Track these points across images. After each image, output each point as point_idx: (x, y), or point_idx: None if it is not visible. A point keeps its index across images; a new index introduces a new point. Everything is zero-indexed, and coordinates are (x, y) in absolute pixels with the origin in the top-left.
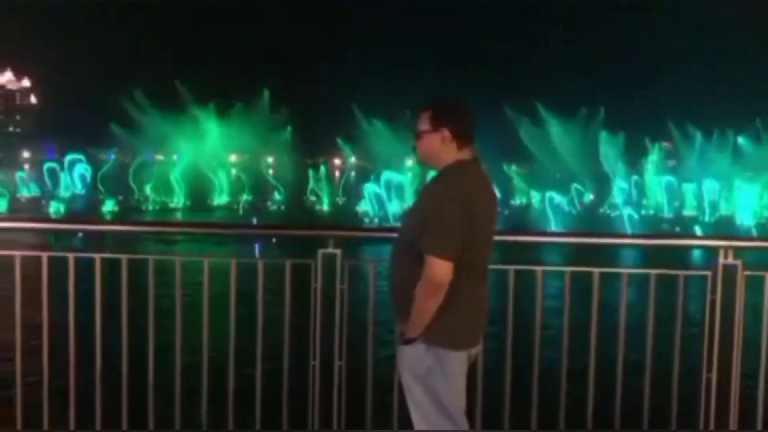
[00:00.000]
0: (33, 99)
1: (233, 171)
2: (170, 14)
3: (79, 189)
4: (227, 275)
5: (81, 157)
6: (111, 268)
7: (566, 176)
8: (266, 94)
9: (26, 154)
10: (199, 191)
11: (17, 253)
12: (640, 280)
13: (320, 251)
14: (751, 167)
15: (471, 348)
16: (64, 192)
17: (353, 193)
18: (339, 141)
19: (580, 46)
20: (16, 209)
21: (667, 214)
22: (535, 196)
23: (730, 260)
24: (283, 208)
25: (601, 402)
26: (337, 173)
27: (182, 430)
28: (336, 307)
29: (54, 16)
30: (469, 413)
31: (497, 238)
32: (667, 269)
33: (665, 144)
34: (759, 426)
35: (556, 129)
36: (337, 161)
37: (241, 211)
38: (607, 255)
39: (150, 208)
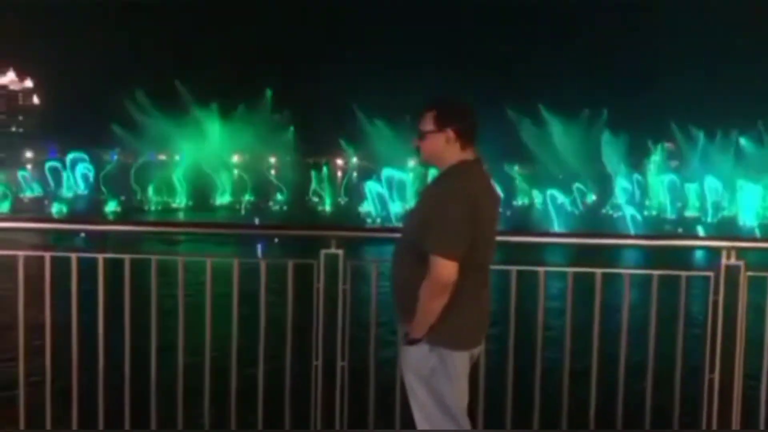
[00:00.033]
0: (35, 99)
1: (235, 171)
2: (172, 15)
3: (82, 189)
4: (230, 275)
5: (83, 155)
6: (113, 268)
7: (568, 177)
8: (268, 93)
9: (29, 155)
10: (201, 191)
11: (20, 253)
12: (643, 281)
13: (323, 251)
14: (753, 168)
15: (474, 348)
16: (66, 192)
17: (355, 194)
18: (341, 141)
19: (582, 46)
20: (19, 209)
21: (669, 215)
22: (538, 197)
23: (733, 261)
24: (285, 208)
25: (603, 402)
26: (339, 173)
27: (185, 430)
28: (338, 307)
29: (56, 16)
30: (471, 413)
31: (499, 238)
32: (670, 270)
33: (668, 144)
34: (761, 426)
35: (558, 130)
36: (339, 161)
37: (243, 212)
38: (610, 256)
39: (152, 208)
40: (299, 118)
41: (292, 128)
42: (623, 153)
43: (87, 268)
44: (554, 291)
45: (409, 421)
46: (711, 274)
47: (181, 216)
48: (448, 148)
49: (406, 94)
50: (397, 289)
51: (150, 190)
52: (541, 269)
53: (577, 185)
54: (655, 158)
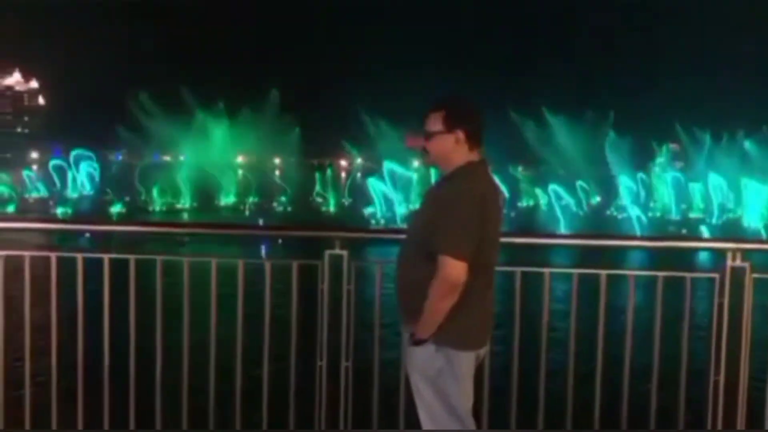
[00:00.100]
0: (41, 100)
1: (240, 172)
2: (177, 16)
3: (88, 190)
4: (234, 276)
5: (89, 153)
6: (118, 268)
7: (573, 178)
8: (274, 94)
9: (34, 155)
10: (205, 192)
11: (27, 254)
12: (648, 283)
13: (327, 252)
14: (758, 170)
15: (480, 349)
16: (72, 192)
17: (359, 195)
18: (345, 143)
19: (587, 47)
20: (24, 210)
21: (674, 216)
22: (543, 197)
23: (738, 263)
24: (289, 209)
25: (608, 404)
26: (343, 174)
27: (189, 429)
28: (342, 308)
29: (62, 18)
30: (476, 414)
31: (504, 239)
32: (675, 271)
33: (672, 146)
34: (767, 428)
35: (562, 131)
36: (343, 162)
37: (247, 212)
38: (614, 257)
39: (157, 209)
40: (303, 119)
41: (297, 129)
42: (628, 154)
43: (91, 269)
44: (559, 292)
45: (413, 421)
46: (716, 275)
47: (185, 217)
48: (456, 149)
49: (410, 96)
50: (401, 290)
51: (155, 191)
52: (546, 270)
53: (580, 183)
54: (660, 159)
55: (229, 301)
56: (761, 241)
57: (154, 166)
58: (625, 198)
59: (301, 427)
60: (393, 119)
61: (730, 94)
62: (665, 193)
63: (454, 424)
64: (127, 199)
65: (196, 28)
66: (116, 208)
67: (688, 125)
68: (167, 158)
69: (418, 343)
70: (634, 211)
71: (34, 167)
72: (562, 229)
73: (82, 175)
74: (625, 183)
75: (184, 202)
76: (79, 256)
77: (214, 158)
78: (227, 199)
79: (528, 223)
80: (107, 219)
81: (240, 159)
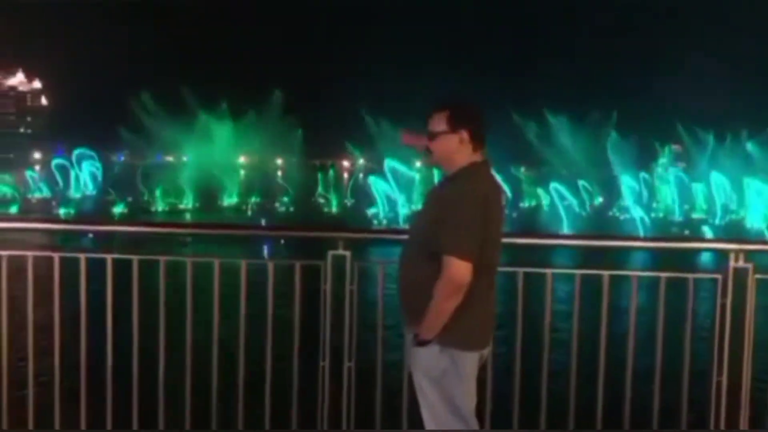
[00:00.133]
0: (44, 100)
1: (242, 172)
2: (180, 17)
3: (90, 190)
4: (237, 276)
5: (91, 152)
6: (121, 268)
7: (575, 178)
8: (277, 95)
9: (37, 155)
10: (208, 193)
11: (30, 254)
12: (650, 283)
13: (330, 253)
14: (761, 171)
15: (483, 349)
16: (74, 193)
17: (362, 195)
18: (347, 143)
19: (589, 48)
20: (27, 210)
21: (677, 217)
22: (545, 198)
23: (741, 263)
24: (291, 209)
25: (610, 404)
26: (345, 175)
27: (192, 429)
28: (345, 308)
29: (65, 18)
30: (479, 414)
31: (506, 240)
32: (677, 272)
33: (675, 146)
34: None
35: (564, 132)
36: (345, 163)
37: (249, 213)
38: (617, 258)
39: (159, 209)
40: (306, 120)
41: (300, 130)
42: (630, 155)
43: (94, 269)
44: (561, 293)
45: (416, 421)
46: (719, 276)
47: (188, 217)
48: (460, 150)
49: (412, 97)
50: (404, 291)
51: (157, 192)
52: (548, 271)
53: (582, 183)
54: (663, 160)
55: (231, 301)
56: (764, 242)
57: (156, 167)
58: (627, 199)
59: (303, 427)
60: (395, 120)
61: (732, 95)
62: (668, 194)
63: (458, 425)
64: (130, 199)
65: (198, 29)
66: (119, 209)
67: (690, 126)
68: (170, 159)
69: (422, 343)
70: (638, 212)
71: (37, 168)
72: (565, 230)
73: (85, 174)
74: (627, 183)
75: (187, 203)
76: (82, 256)
77: (217, 159)
78: (230, 200)
79: (530, 224)
80: (110, 219)
81: (242, 159)
